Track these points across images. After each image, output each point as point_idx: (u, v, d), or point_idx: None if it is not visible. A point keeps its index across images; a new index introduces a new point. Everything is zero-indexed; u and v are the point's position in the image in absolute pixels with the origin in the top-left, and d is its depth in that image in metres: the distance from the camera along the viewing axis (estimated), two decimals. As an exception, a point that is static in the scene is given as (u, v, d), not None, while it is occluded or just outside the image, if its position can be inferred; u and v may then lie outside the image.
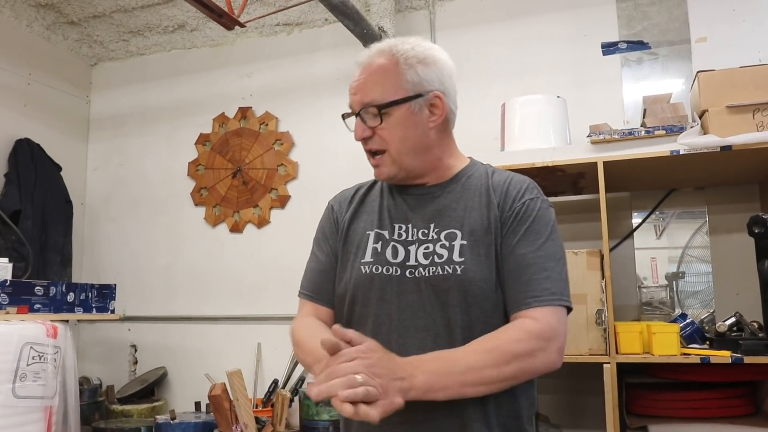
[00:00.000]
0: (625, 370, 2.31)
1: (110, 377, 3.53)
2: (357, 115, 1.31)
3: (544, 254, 1.22)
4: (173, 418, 2.91)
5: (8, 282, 2.52)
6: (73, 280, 3.52)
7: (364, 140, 1.31)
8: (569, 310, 1.22)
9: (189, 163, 3.62)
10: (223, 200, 3.50)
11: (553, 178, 2.46)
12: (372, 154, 1.33)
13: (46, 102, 3.65)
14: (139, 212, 3.73)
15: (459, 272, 1.21)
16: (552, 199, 2.82)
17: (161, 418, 2.94)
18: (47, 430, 2.34)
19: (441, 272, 1.23)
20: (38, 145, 3.48)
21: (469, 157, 1.42)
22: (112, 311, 2.97)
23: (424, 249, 1.26)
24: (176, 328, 3.51)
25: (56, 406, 2.39)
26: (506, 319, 1.23)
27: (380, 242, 1.31)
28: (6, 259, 2.69)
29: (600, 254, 2.20)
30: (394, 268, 1.27)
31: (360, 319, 1.30)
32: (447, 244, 1.25)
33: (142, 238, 3.70)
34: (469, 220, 1.26)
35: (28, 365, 2.24)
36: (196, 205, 3.58)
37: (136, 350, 3.58)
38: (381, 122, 1.28)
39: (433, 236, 1.27)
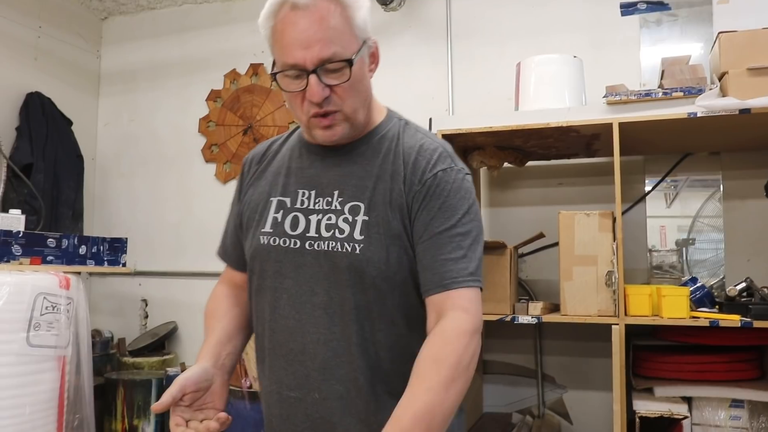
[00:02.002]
0: (632, 333, 2.32)
1: (121, 331, 3.58)
2: (311, 73, 1.09)
3: (462, 231, 1.13)
4: (184, 371, 2.95)
5: (21, 233, 2.54)
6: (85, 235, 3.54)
7: (321, 102, 1.12)
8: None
9: (200, 119, 3.60)
10: (233, 157, 3.50)
11: (567, 140, 2.44)
12: (323, 114, 1.14)
13: (56, 56, 3.63)
14: (150, 168, 3.73)
15: (357, 251, 1.13)
16: (565, 161, 2.82)
17: (172, 371, 3.00)
18: (61, 378, 2.38)
19: (340, 249, 1.14)
20: (49, 99, 3.47)
21: (386, 108, 1.30)
22: (123, 264, 2.99)
23: (327, 220, 1.17)
24: (186, 284, 3.55)
25: (69, 356, 2.42)
26: (404, 300, 1.16)
27: (281, 211, 1.22)
28: (19, 211, 2.71)
29: (612, 216, 2.19)
30: (292, 240, 1.19)
31: (259, 292, 1.24)
32: (350, 218, 1.15)
33: (153, 194, 3.71)
34: (373, 192, 1.16)
35: (41, 315, 2.27)
36: (206, 161, 3.57)
37: (146, 305, 3.62)
38: (349, 78, 1.11)
39: (336, 206, 1.17)
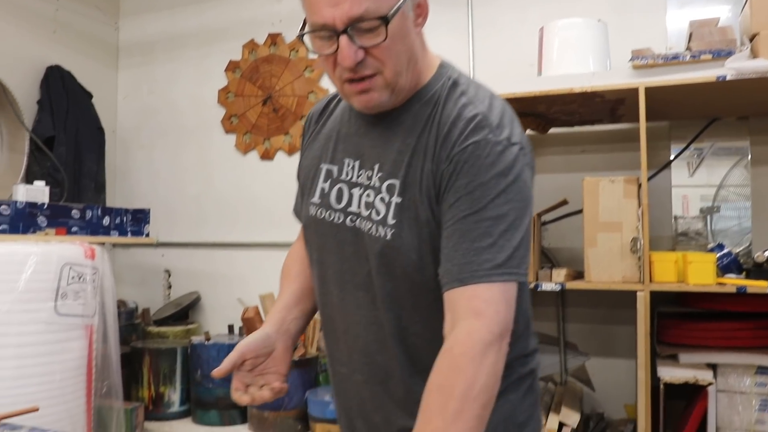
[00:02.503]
0: (656, 300, 2.30)
1: (145, 301, 3.63)
2: (341, 33, 0.97)
3: (493, 215, 0.96)
4: (208, 339, 2.99)
5: (46, 205, 2.57)
6: (107, 207, 3.57)
7: (354, 67, 1.00)
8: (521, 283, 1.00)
9: (219, 90, 3.59)
10: (253, 128, 3.49)
11: (591, 105, 2.40)
12: (359, 79, 1.02)
13: (74, 29, 3.62)
14: (170, 140, 3.74)
15: (388, 238, 1.03)
16: (588, 127, 2.78)
17: (196, 339, 3.03)
18: (89, 347, 2.42)
19: (374, 233, 1.05)
20: (69, 72, 3.47)
21: (440, 60, 1.14)
22: (147, 235, 3.02)
23: (366, 197, 1.08)
24: (208, 254, 3.58)
25: (96, 325, 2.46)
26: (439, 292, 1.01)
27: (329, 181, 1.15)
28: (43, 182, 2.73)
29: (637, 182, 2.17)
30: (336, 214, 1.12)
31: (311, 262, 1.21)
32: (386, 198, 1.05)
33: (173, 166, 3.72)
34: (407, 171, 1.04)
35: (68, 284, 2.30)
36: (226, 132, 3.57)
37: (169, 275, 3.66)
38: (385, 38, 0.98)
39: (375, 183, 1.07)
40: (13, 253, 2.21)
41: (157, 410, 3.03)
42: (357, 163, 1.11)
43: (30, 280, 2.21)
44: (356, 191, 1.10)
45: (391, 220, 1.03)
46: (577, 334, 2.80)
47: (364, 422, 1.17)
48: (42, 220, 2.53)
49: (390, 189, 1.05)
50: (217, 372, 1.10)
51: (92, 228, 2.74)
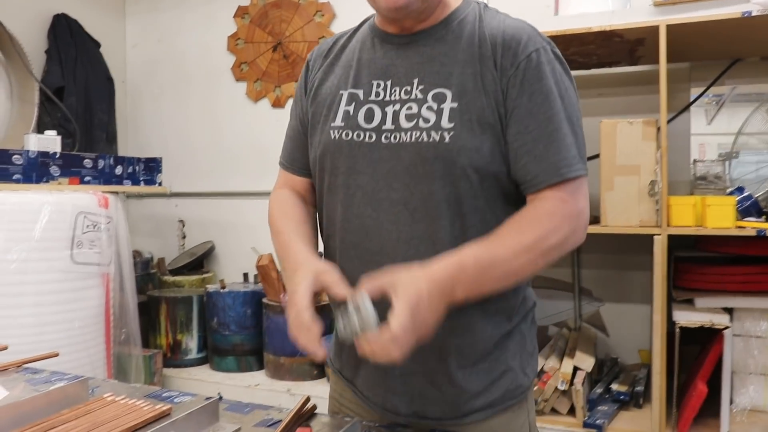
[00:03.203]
0: (673, 245, 2.28)
1: (161, 251, 3.66)
2: None
3: (563, 116, 1.03)
4: (223, 287, 3.02)
5: (58, 154, 2.56)
6: (120, 157, 3.57)
7: None
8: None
9: (228, 37, 3.53)
10: (264, 75, 3.44)
11: (610, 46, 2.33)
12: None
13: (80, -26, 3.56)
14: (180, 89, 3.70)
15: (447, 140, 1.03)
16: (606, 69, 2.71)
17: (212, 288, 3.06)
18: (106, 295, 2.45)
19: (427, 139, 1.05)
20: (76, 20, 3.42)
21: None
22: (159, 184, 3.01)
23: (407, 110, 1.08)
24: (221, 204, 3.58)
25: (112, 274, 2.48)
26: (498, 195, 1.07)
27: (353, 103, 1.13)
28: (54, 132, 2.72)
29: (656, 124, 2.12)
30: (367, 133, 1.10)
31: (331, 190, 1.16)
32: (435, 106, 1.06)
33: (184, 115, 3.69)
34: (460, 78, 1.06)
35: (83, 233, 2.32)
36: (236, 80, 3.53)
37: (183, 225, 3.67)
38: None
39: (417, 95, 1.08)
40: (27, 203, 2.22)
41: (175, 357, 3.08)
42: (388, 83, 1.11)
43: (45, 229, 2.22)
44: (390, 108, 1.09)
45: (447, 124, 1.04)
46: (591, 280, 2.79)
47: None
48: (55, 169, 2.53)
49: (438, 97, 1.06)
50: (320, 353, 1.00)
51: (105, 177, 2.74)
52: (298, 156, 1.27)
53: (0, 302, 2.13)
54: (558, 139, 1.02)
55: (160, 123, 3.76)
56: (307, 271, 1.04)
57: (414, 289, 0.92)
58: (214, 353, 3.04)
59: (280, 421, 1.12)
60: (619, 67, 2.67)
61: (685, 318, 2.07)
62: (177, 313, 3.07)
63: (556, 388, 2.23)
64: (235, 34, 3.52)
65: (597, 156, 2.25)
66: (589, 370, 2.26)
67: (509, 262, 0.98)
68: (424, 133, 1.05)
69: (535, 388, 2.24)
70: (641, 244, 2.18)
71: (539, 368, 2.27)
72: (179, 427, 1.04)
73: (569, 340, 2.56)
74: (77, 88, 3.32)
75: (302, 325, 0.99)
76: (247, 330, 2.98)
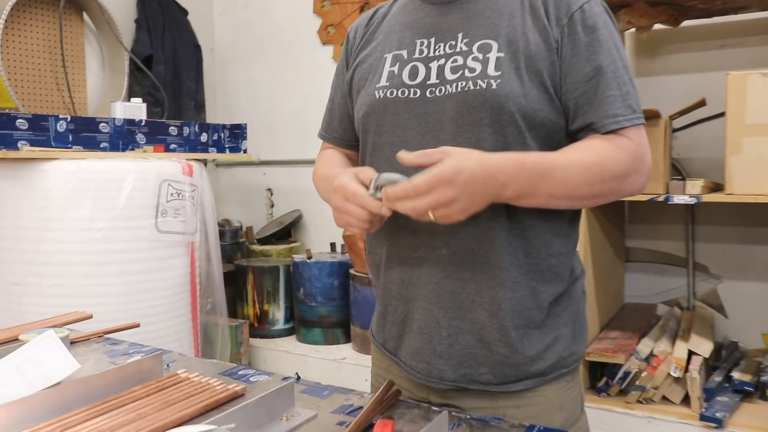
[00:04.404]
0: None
1: (249, 219, 3.64)
2: None
3: (619, 66, 1.02)
4: (310, 257, 2.95)
5: (144, 122, 2.54)
6: (208, 126, 3.56)
7: None
8: None
9: (314, -1, 3.42)
10: (350, 38, 3.31)
11: (738, -12, 2.04)
12: None
13: (168, -59, 3.53)
14: (268, 55, 3.64)
15: (494, 86, 1.02)
16: (730, 17, 2.40)
17: (298, 258, 3.00)
18: (191, 264, 2.42)
19: (473, 87, 1.03)
20: (163, -12, 3.41)
21: None
22: (245, 151, 2.96)
23: (452, 63, 1.07)
24: (309, 172, 3.44)
25: (198, 242, 2.45)
26: (546, 143, 1.05)
27: (397, 64, 1.12)
28: (140, 99, 2.71)
29: (796, 76, 1.83)
30: (412, 90, 1.10)
31: (375, 151, 1.15)
32: (481, 56, 1.05)
33: (272, 82, 3.63)
34: (507, 29, 1.05)
35: (167, 201, 2.28)
36: (323, 44, 3.42)
37: (271, 194, 3.64)
38: None
39: (462, 48, 1.07)
40: (112, 170, 2.20)
41: (261, 327, 3.06)
42: (432, 40, 1.10)
43: (130, 197, 2.20)
44: (434, 64, 1.09)
45: (493, 72, 1.03)
46: (707, 255, 2.52)
47: (440, 305, 1.07)
48: (140, 137, 2.51)
49: (483, 48, 1.05)
50: (374, 205, 0.98)
51: (190, 145, 2.70)
52: (336, 126, 1.30)
53: (86, 271, 2.13)
54: (619, 86, 1.02)
55: (248, 90, 3.72)
56: (346, 171, 1.07)
57: (456, 162, 0.91)
58: (300, 324, 2.99)
59: (361, 408, 1.02)
60: (746, 14, 2.35)
61: (827, 300, 1.80)
62: (264, 283, 3.03)
63: (669, 375, 2.01)
64: (321, -4, 3.40)
65: (720, 115, 1.99)
66: (707, 355, 2.02)
67: (567, 175, 0.98)
68: (470, 82, 1.04)
69: (644, 374, 2.03)
70: (771, 215, 1.91)
71: (649, 351, 2.06)
72: (250, 412, 0.96)
73: (682, 320, 2.32)
74: (165, 56, 3.32)
75: (349, 194, 1.00)
76: (333, 302, 2.91)
